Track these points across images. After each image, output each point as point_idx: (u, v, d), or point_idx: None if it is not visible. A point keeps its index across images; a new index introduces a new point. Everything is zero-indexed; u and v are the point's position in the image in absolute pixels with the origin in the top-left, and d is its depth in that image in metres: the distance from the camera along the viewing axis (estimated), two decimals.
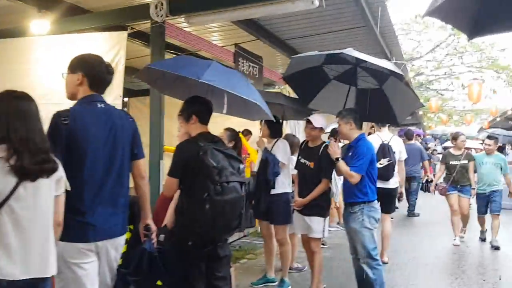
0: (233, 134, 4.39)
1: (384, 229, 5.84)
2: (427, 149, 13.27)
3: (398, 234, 7.60)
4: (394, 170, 5.67)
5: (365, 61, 3.81)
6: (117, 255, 2.62)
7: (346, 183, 4.15)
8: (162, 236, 2.94)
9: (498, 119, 23.75)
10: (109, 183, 2.50)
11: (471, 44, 21.33)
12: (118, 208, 2.57)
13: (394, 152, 5.73)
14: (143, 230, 2.80)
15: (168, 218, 3.10)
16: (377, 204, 4.12)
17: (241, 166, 2.94)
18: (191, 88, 3.23)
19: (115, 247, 2.57)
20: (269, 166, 4.47)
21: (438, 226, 8.49)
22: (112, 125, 2.53)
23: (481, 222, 7.28)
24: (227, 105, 3.38)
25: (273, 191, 4.55)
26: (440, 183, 7.43)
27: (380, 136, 5.89)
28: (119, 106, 4.88)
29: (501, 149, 12.19)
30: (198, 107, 2.99)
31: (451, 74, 24.09)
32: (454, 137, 7.42)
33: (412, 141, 9.82)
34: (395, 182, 5.80)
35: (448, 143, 10.64)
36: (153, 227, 2.81)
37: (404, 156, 6.14)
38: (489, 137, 7.61)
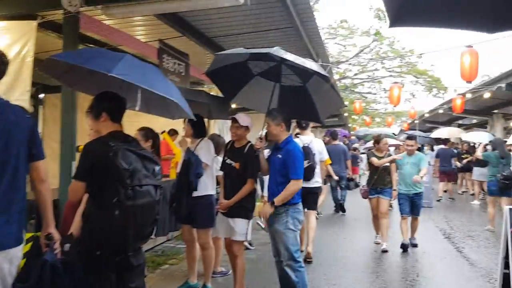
0: (148, 133, 4.13)
1: (309, 223, 6.04)
2: (354, 149, 13.71)
3: (323, 232, 7.72)
4: (314, 171, 5.85)
5: (289, 60, 3.74)
6: (12, 268, 2.34)
7: (272, 183, 4.06)
8: (67, 246, 2.67)
9: (416, 121, 25.15)
10: (1, 187, 2.22)
11: (392, 50, 22.45)
12: (12, 215, 2.29)
13: (315, 154, 5.91)
14: (44, 240, 2.52)
15: (75, 226, 2.83)
16: (301, 206, 4.08)
17: (157, 168, 2.73)
18: (102, 83, 2.95)
19: (9, 259, 2.30)
20: (191, 167, 4.28)
21: (363, 224, 8.71)
22: (5, 122, 2.24)
23: (404, 226, 6.93)
24: (142, 102, 3.15)
25: (195, 193, 4.36)
26: (363, 186, 7.42)
27: (302, 139, 6.01)
28: (26, 101, 4.48)
29: (420, 150, 12.84)
30: (108, 104, 2.73)
31: (374, 78, 25.21)
32: (377, 141, 7.33)
33: (337, 142, 10.05)
34: (317, 181, 6.01)
35: (370, 144, 10.72)
36: (56, 236, 2.54)
37: (325, 157, 6.43)
38: (409, 137, 7.57)
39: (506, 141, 10.75)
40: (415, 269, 5.86)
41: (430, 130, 25.89)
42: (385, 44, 22.98)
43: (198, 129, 4.61)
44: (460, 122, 23.77)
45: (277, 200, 3.82)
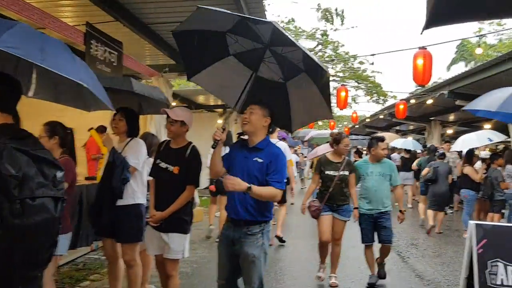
0: (55, 128, 3.38)
1: (280, 215, 7.33)
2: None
3: None
4: None
5: (281, 43, 2.98)
6: None
7: (238, 195, 3.11)
8: None
9: (356, 126, 25.48)
10: None
11: (336, 55, 22.56)
12: None
13: None
14: None
15: None
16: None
17: (59, 174, 2.06)
18: None
19: None
20: (115, 171, 3.60)
21: (307, 247, 8.31)
22: None
23: (370, 258, 5.35)
24: (39, 87, 2.44)
25: (120, 202, 3.69)
26: (313, 201, 5.26)
27: None
28: None
29: (360, 154, 12.72)
30: None
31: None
32: (336, 140, 5.24)
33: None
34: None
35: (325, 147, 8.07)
36: None
37: (289, 157, 6.89)
38: (380, 139, 5.41)
39: (437, 148, 10.94)
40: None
41: (369, 134, 26.41)
42: (329, 49, 23.08)
43: (132, 126, 3.94)
44: (397, 128, 24.40)
45: (257, 189, 2.98)
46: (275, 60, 3.24)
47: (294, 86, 3.31)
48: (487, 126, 13.72)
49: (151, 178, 3.78)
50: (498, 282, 3.14)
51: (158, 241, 3.62)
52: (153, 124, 8.67)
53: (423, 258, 6.94)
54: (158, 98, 4.30)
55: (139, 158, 3.81)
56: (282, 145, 6.65)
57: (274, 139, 6.52)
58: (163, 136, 6.48)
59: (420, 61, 6.39)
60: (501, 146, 15.14)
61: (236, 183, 2.93)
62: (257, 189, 2.98)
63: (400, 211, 5.26)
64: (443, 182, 8.82)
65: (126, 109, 3.91)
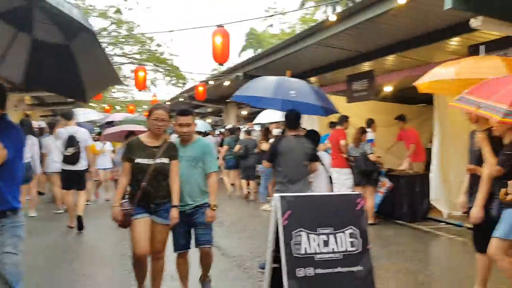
0: None
1: (79, 198, 7.43)
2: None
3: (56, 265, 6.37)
4: (80, 156, 7.23)
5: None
6: None
7: None
8: None
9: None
10: None
11: (131, 36, 21.61)
12: None
13: (79, 142, 7.23)
14: None
15: None
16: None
17: None
18: None
19: None
20: None
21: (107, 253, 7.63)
22: None
23: (183, 270, 4.17)
24: None
25: None
26: (124, 202, 3.81)
27: (67, 129, 7.41)
28: None
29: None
30: None
31: (113, 64, 23.85)
32: (153, 112, 3.99)
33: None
34: (83, 165, 7.37)
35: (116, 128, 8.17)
36: None
37: (90, 143, 7.60)
38: (181, 112, 4.12)
39: (239, 128, 12.40)
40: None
41: (170, 117, 26.31)
42: (124, 29, 21.99)
43: None
44: (197, 110, 24.93)
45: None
46: (49, 20, 2.68)
47: (79, 47, 2.81)
48: None
49: None
50: (302, 252, 3.24)
51: None
52: None
53: (228, 235, 7.07)
54: None
55: None
56: (82, 132, 7.44)
57: (73, 126, 7.46)
58: None
59: (218, 39, 6.37)
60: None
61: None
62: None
63: (209, 205, 4.00)
64: (252, 155, 10.45)
65: None
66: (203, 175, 4.07)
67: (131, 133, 7.14)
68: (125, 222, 3.78)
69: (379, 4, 5.94)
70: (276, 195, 3.37)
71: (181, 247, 4.08)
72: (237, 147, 10.77)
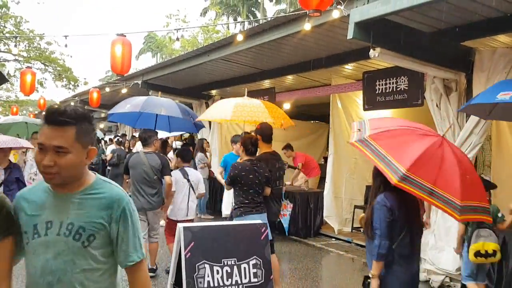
0: None
1: None
2: None
3: None
4: None
5: None
6: None
7: None
8: None
9: (43, 112, 23.18)
10: None
11: (19, 31, 19.83)
12: None
13: None
14: None
15: None
16: None
17: None
18: None
19: None
20: None
21: None
22: None
23: None
24: None
25: None
26: None
27: None
28: None
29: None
30: None
31: None
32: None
33: None
34: None
35: None
36: None
37: None
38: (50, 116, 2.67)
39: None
40: None
41: None
42: (10, 24, 20.10)
43: None
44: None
45: None
46: None
47: None
48: None
49: None
50: (205, 285, 3.12)
51: None
52: None
53: None
54: None
55: None
56: None
57: None
58: None
59: (118, 49, 5.98)
60: (187, 134, 16.50)
61: None
62: None
63: None
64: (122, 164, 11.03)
65: None
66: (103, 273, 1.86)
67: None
68: None
69: (287, 26, 6.08)
70: (180, 225, 3.22)
71: None
72: (109, 156, 11.65)
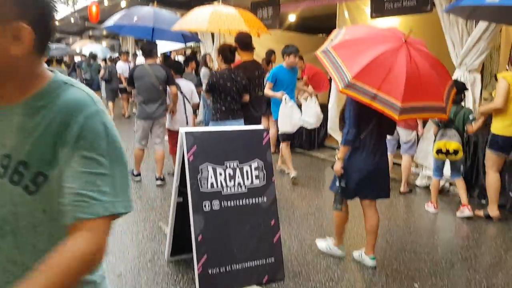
0: None
1: None
2: None
3: None
4: None
5: None
6: None
7: None
8: None
9: None
10: None
11: None
12: None
13: None
14: None
15: None
16: None
17: None
18: None
19: None
20: None
21: None
22: None
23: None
24: None
25: None
26: None
27: None
28: None
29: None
30: None
31: None
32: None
33: None
34: None
35: None
36: None
37: None
38: None
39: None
40: None
41: (59, 40, 24.16)
42: None
43: None
44: (91, 33, 23.06)
45: None
46: None
47: None
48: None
49: None
50: (209, 186, 3.22)
51: None
52: None
53: None
54: None
55: None
56: None
57: None
58: None
59: None
60: (188, 51, 16.21)
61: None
62: None
63: None
64: (115, 79, 11.74)
65: None
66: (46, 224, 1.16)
67: None
68: None
69: None
70: (182, 130, 3.25)
71: None
72: (101, 72, 12.26)
